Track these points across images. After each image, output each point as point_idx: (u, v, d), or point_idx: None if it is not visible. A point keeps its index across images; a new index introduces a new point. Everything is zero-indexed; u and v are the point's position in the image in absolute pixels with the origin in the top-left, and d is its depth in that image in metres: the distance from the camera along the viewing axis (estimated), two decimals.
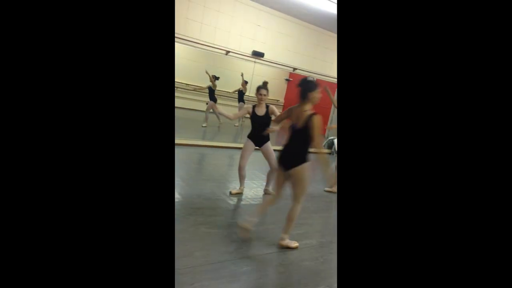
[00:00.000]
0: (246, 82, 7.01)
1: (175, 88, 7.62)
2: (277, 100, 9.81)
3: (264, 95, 3.12)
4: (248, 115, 3.21)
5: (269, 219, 2.95)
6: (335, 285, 1.99)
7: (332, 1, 4.67)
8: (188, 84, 7.86)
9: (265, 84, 3.19)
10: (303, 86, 2.20)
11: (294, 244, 2.41)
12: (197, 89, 7.45)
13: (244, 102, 7.37)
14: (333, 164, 5.15)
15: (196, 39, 5.00)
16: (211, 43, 5.16)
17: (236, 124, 7.73)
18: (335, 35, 6.31)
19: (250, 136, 3.26)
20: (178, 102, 7.67)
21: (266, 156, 3.30)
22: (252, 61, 5.70)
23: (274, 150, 3.37)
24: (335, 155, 6.18)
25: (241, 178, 3.36)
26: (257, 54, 5.61)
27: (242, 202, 3.21)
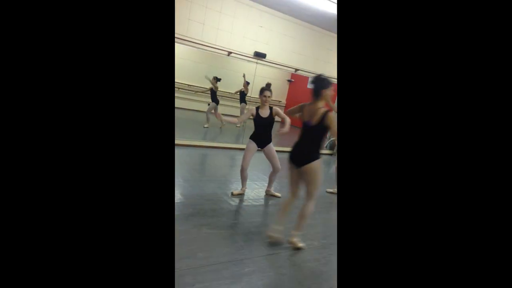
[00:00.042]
0: (248, 83, 7.01)
1: (177, 89, 7.64)
2: (279, 101, 9.81)
3: (268, 96, 3.12)
4: (251, 117, 3.20)
5: (271, 220, 2.95)
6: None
7: (334, 2, 4.66)
8: (190, 85, 7.87)
9: (268, 86, 3.19)
10: (317, 84, 2.19)
11: (300, 244, 2.40)
12: (199, 92, 7.44)
13: (246, 103, 7.37)
14: (334, 166, 5.14)
15: (198, 40, 5.01)
16: (213, 44, 5.16)
17: (238, 125, 7.74)
18: None
19: (252, 138, 3.25)
20: (179, 103, 7.70)
21: (269, 158, 3.30)
22: (254, 62, 5.70)
23: (277, 151, 3.38)
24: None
25: (243, 179, 3.36)
26: (259, 55, 5.62)
27: (244, 203, 3.20)
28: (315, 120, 2.16)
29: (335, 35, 6.41)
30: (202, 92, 7.28)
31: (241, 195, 3.36)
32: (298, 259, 2.28)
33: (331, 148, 7.06)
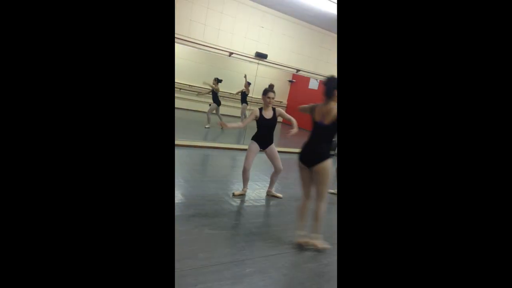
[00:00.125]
0: (249, 84, 7.01)
1: (179, 90, 7.66)
2: (280, 102, 9.81)
3: (272, 98, 3.12)
4: (255, 119, 3.17)
5: (273, 221, 2.95)
6: None
7: (335, 3, 4.66)
8: (191, 86, 7.88)
9: (271, 87, 3.18)
10: (329, 84, 2.22)
11: (324, 245, 2.41)
12: (200, 94, 7.44)
13: (247, 104, 7.38)
14: (335, 167, 5.14)
15: (200, 40, 5.02)
16: (215, 45, 5.17)
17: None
18: None
19: (255, 138, 3.25)
20: (181, 104, 7.72)
21: (271, 158, 3.30)
22: (256, 62, 5.71)
23: (279, 151, 3.38)
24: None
25: (245, 180, 3.36)
26: (261, 56, 5.62)
27: (245, 204, 3.20)
28: (328, 120, 2.20)
29: (336, 35, 6.41)
30: (204, 94, 7.26)
31: (242, 196, 3.36)
32: (300, 260, 2.27)
33: (335, 148, 7.05)
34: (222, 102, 7.07)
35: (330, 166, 2.25)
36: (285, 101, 10.16)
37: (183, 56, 7.35)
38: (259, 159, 3.89)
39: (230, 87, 7.83)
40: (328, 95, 2.22)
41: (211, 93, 6.89)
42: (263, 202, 3.33)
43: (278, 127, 3.33)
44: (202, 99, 7.50)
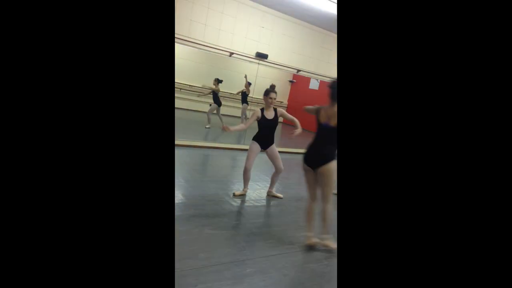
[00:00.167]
0: (249, 84, 7.01)
1: (179, 90, 7.66)
2: (281, 102, 9.81)
3: (274, 98, 3.13)
4: (257, 119, 3.17)
5: (273, 221, 2.95)
6: None
7: (335, 3, 4.66)
8: (192, 86, 7.88)
9: (273, 87, 3.18)
10: (335, 87, 2.24)
11: (334, 245, 2.40)
12: (202, 95, 7.43)
13: (247, 104, 7.38)
14: None
15: (200, 40, 5.02)
16: (215, 45, 5.17)
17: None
18: None
19: (256, 139, 3.24)
20: (181, 104, 7.72)
21: (272, 158, 3.30)
22: (256, 62, 5.71)
23: (279, 152, 3.38)
24: None
25: (246, 180, 3.35)
26: (261, 56, 5.62)
27: (246, 204, 3.20)
28: (333, 122, 2.21)
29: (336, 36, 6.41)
30: (206, 95, 7.24)
31: (242, 196, 3.36)
32: (300, 260, 2.27)
33: None
34: (222, 103, 7.07)
35: (335, 167, 2.25)
36: (285, 102, 10.16)
37: (183, 56, 7.34)
38: (260, 159, 3.89)
39: (231, 87, 7.83)
40: (333, 98, 2.24)
41: (211, 93, 6.89)
42: (264, 202, 3.33)
43: (279, 127, 3.33)
44: (203, 99, 7.50)
